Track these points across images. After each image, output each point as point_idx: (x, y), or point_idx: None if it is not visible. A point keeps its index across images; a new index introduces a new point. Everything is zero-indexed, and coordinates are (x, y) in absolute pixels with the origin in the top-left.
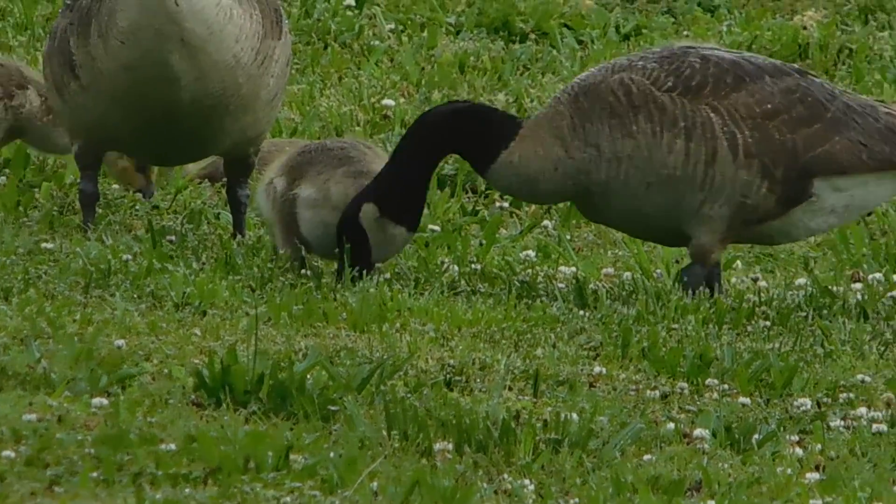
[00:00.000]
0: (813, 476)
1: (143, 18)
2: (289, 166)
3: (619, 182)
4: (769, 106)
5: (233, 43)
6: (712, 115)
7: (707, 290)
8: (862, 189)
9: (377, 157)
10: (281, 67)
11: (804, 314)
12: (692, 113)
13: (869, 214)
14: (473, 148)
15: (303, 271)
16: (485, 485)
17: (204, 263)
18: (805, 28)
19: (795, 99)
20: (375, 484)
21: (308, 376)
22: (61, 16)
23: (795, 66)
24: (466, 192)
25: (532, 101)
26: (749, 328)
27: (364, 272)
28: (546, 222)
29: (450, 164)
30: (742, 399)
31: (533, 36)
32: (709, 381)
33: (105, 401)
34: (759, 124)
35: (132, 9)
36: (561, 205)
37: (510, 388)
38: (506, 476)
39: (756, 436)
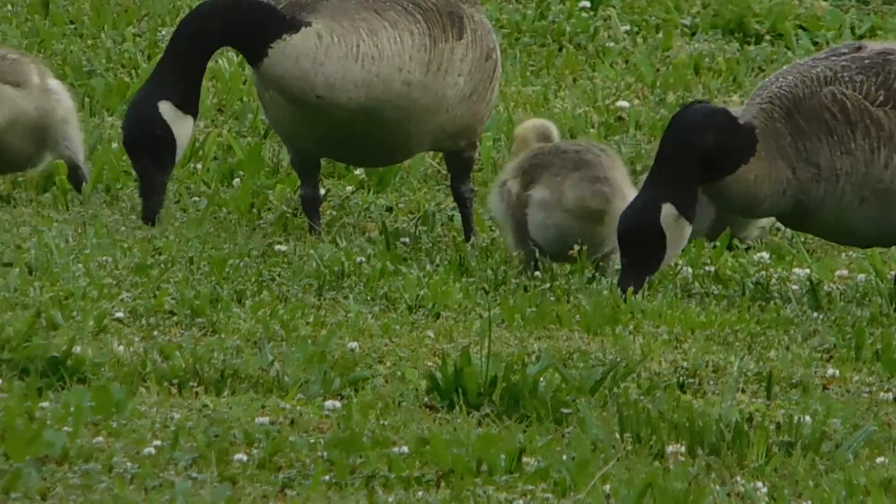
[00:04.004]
0: None
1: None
2: (522, 168)
3: (834, 198)
4: None
5: (396, 74)
6: None
7: None
8: None
9: (612, 160)
10: (472, 63)
11: None
12: None
13: None
14: (719, 156)
15: (536, 273)
16: (717, 487)
17: (437, 265)
18: None
19: None
20: (608, 487)
21: (541, 379)
22: None
23: None
24: None
25: None
26: None
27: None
28: (779, 224)
29: None
30: None
31: (768, 37)
32: None
33: (338, 403)
34: None
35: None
36: None
37: (743, 391)
38: (738, 479)
39: None
